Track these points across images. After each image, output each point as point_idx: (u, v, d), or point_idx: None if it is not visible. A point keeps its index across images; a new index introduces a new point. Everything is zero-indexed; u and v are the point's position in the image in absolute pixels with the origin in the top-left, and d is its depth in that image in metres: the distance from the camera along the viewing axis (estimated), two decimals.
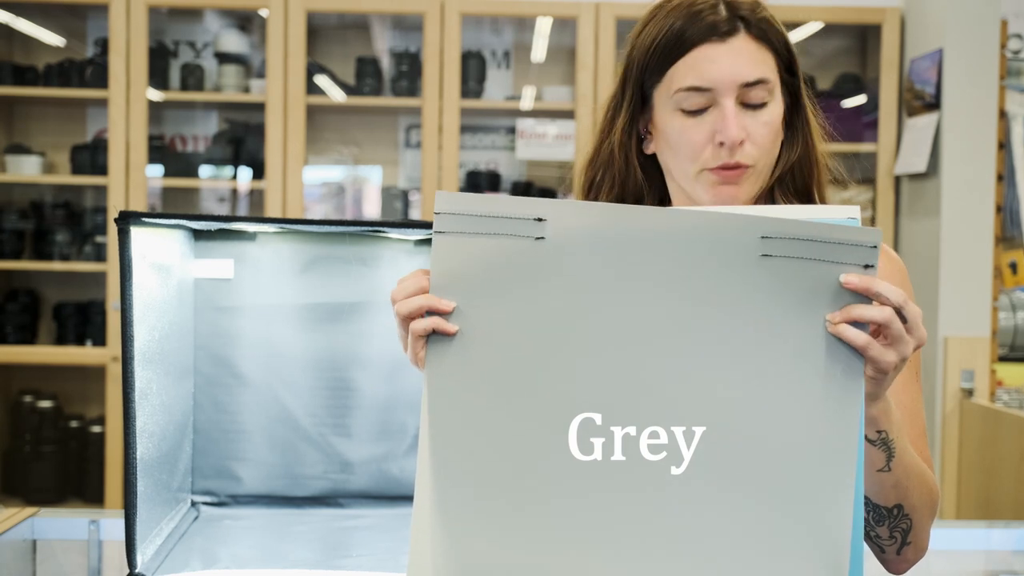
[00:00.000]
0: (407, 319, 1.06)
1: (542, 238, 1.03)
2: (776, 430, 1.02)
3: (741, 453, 1.02)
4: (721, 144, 1.23)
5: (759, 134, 1.25)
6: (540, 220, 1.03)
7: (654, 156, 1.32)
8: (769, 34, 1.26)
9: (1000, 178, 3.78)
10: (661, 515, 1.02)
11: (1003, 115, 3.80)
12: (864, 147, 4.15)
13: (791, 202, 1.30)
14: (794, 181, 1.31)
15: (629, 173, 1.33)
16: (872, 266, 1.02)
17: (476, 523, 1.04)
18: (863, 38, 4.45)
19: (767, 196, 1.31)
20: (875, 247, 1.02)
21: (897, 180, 4.13)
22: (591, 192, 1.36)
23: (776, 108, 1.26)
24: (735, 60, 1.23)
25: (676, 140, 1.27)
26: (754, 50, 1.24)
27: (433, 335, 1.05)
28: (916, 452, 1.22)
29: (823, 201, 1.33)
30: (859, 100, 4.31)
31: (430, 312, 1.05)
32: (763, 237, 1.02)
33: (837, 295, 1.02)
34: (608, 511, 1.03)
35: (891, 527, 1.20)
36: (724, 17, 1.24)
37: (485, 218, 1.04)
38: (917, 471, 1.19)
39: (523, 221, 1.03)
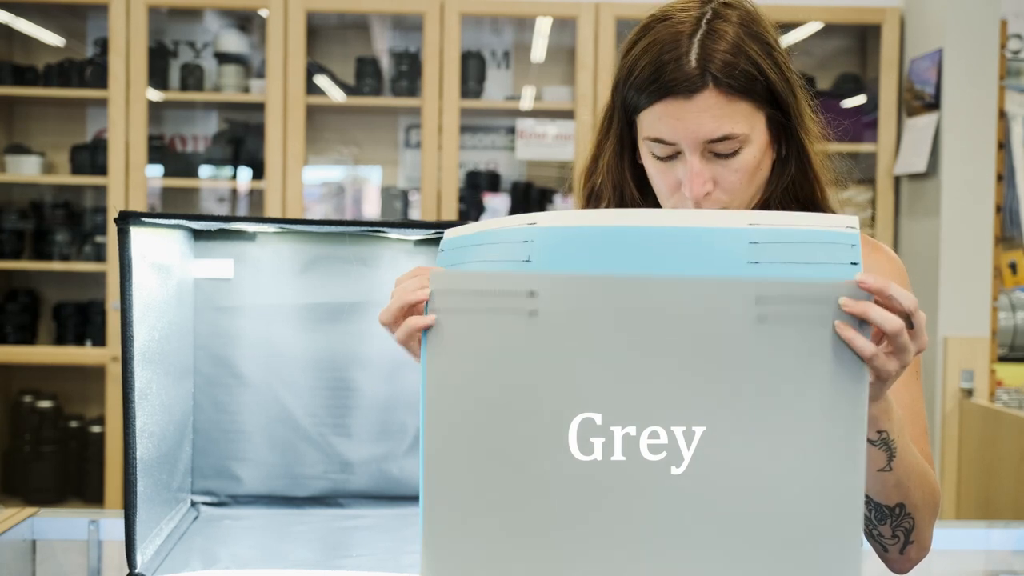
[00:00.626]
0: (390, 326, 1.09)
1: (535, 313, 1.03)
2: (779, 432, 1.01)
3: (742, 453, 1.01)
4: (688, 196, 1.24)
5: (728, 181, 1.24)
6: (532, 295, 1.03)
7: None
8: (743, 82, 1.21)
9: (1000, 178, 3.78)
10: (661, 515, 1.02)
11: (1003, 115, 3.80)
12: (864, 147, 4.15)
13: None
14: (796, 197, 1.31)
15: (624, 185, 1.35)
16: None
17: (476, 523, 1.04)
18: (863, 38, 4.45)
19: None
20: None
21: (897, 180, 4.13)
22: (591, 200, 1.38)
23: (750, 153, 1.24)
24: (699, 118, 1.21)
25: (652, 176, 1.29)
26: (723, 105, 1.21)
27: (429, 335, 1.05)
28: (918, 451, 1.22)
29: (826, 207, 1.33)
30: (859, 100, 4.31)
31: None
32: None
33: (836, 308, 1.01)
34: (608, 511, 1.03)
35: (893, 526, 1.20)
36: (692, 72, 1.20)
37: (479, 294, 1.04)
38: (919, 470, 1.19)
39: (515, 296, 1.03)
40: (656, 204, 1.35)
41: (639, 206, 1.35)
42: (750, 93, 1.22)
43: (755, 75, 1.22)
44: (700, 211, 1.05)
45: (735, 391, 1.01)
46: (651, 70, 1.22)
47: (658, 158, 1.26)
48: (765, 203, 1.30)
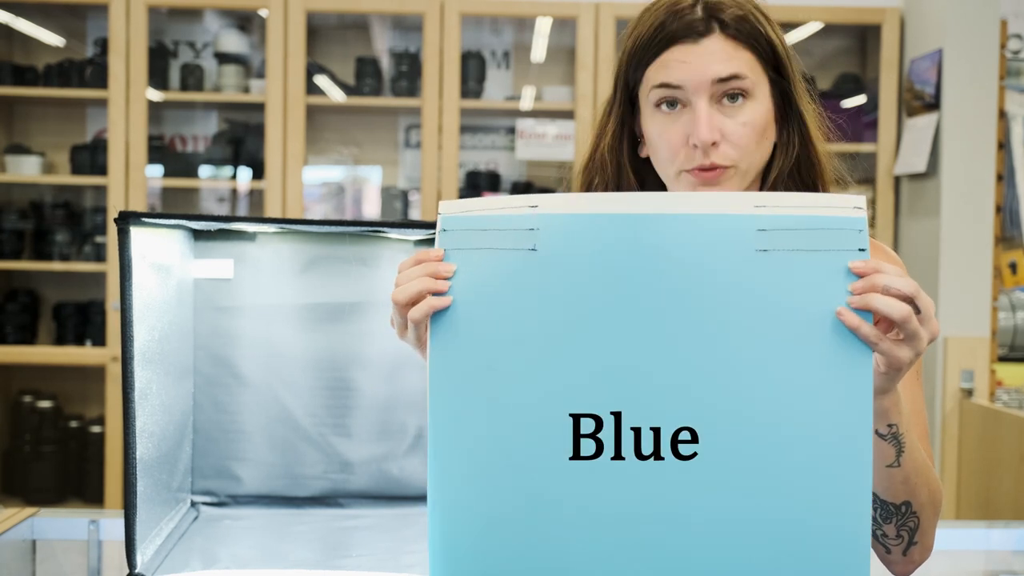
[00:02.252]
0: (406, 306, 1.07)
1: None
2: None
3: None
4: (695, 146, 1.22)
5: (737, 134, 1.23)
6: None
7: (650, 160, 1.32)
8: (749, 34, 1.24)
9: (1000, 178, 3.79)
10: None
11: (1003, 115, 3.80)
12: (864, 147, 4.15)
13: None
14: (801, 180, 1.30)
15: (622, 177, 1.34)
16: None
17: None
18: (863, 38, 4.45)
19: None
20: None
21: (897, 180, 4.14)
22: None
23: (757, 108, 1.24)
24: (706, 59, 1.22)
25: (656, 141, 1.27)
26: (728, 49, 1.23)
27: (435, 324, 1.05)
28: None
29: (828, 189, 1.33)
30: (859, 100, 4.31)
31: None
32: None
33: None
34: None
35: (899, 525, 1.19)
36: (699, 17, 1.23)
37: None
38: (924, 468, 1.17)
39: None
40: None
41: (632, 187, 1.35)
42: (755, 47, 1.24)
43: (760, 32, 1.24)
44: (706, 195, 1.03)
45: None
46: (656, 25, 1.24)
47: (664, 113, 1.25)
48: (772, 185, 1.30)
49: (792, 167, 1.29)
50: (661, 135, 1.26)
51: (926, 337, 1.04)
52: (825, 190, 1.31)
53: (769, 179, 1.29)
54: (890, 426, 1.11)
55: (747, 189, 1.27)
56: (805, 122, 1.29)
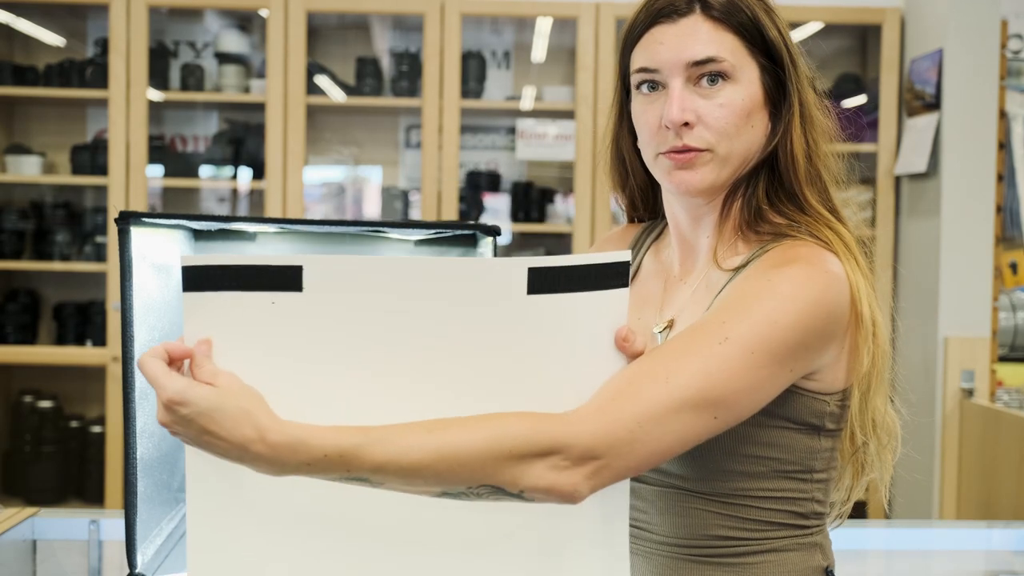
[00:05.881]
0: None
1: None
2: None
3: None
4: (667, 127, 1.21)
5: (713, 116, 1.20)
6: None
7: None
8: (733, 16, 1.21)
9: (1000, 178, 3.78)
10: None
11: (1003, 115, 3.80)
12: (864, 147, 4.15)
13: (779, 203, 1.27)
14: (781, 183, 1.26)
15: (627, 167, 1.35)
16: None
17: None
18: (863, 38, 4.45)
19: (749, 192, 1.27)
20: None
21: (897, 180, 4.13)
22: (625, 191, 1.39)
23: (736, 91, 1.21)
24: (683, 40, 1.21)
25: (638, 124, 1.27)
26: (708, 30, 1.21)
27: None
28: (631, 383, 1.08)
29: (809, 196, 1.27)
30: (859, 100, 4.31)
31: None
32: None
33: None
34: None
35: (478, 497, 1.05)
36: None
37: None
38: (427, 464, 1.00)
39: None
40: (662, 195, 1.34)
41: (648, 185, 1.37)
42: (740, 30, 1.22)
43: (745, 15, 1.22)
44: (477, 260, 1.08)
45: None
46: (643, 6, 1.25)
47: (644, 95, 1.24)
48: (755, 175, 1.26)
49: (773, 161, 1.25)
50: (640, 116, 1.25)
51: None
52: (801, 192, 1.25)
53: (753, 164, 1.26)
54: (326, 478, 1.01)
55: (728, 180, 1.25)
56: (796, 114, 1.24)
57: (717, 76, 1.20)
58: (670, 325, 1.29)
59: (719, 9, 1.21)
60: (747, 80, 1.22)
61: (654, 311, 1.32)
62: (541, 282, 1.03)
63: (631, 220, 1.44)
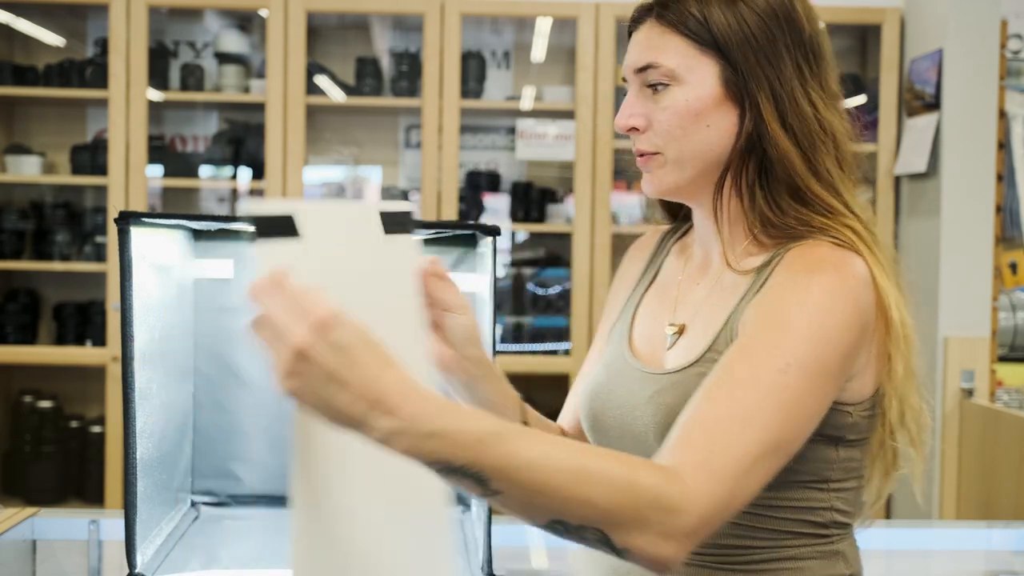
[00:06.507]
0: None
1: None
2: None
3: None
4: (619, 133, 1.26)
5: (658, 120, 1.22)
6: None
7: None
8: (676, 17, 1.21)
9: (1000, 178, 3.78)
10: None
11: (1003, 115, 3.80)
12: (864, 147, 4.14)
13: (784, 200, 1.21)
14: (780, 179, 1.21)
15: None
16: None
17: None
18: (863, 38, 4.45)
19: (744, 191, 1.23)
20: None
21: (897, 180, 4.13)
22: None
23: (681, 93, 1.21)
24: (635, 48, 1.25)
25: None
26: (655, 36, 1.23)
27: None
28: (717, 432, 1.04)
29: (815, 191, 1.22)
30: (859, 100, 4.31)
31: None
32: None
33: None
34: None
35: (582, 538, 1.01)
36: (644, 5, 1.25)
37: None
38: (554, 488, 0.96)
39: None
40: None
41: None
42: (688, 31, 1.21)
43: (688, 14, 1.21)
44: None
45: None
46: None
47: None
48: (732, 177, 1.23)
49: (763, 168, 1.21)
50: None
51: (280, 358, 0.89)
52: (805, 185, 1.20)
53: (723, 169, 1.23)
54: (442, 464, 0.93)
55: (693, 181, 1.23)
56: (785, 107, 1.20)
57: (659, 82, 1.22)
58: (681, 330, 1.28)
59: (669, 12, 1.22)
60: (696, 81, 1.21)
61: (668, 312, 1.32)
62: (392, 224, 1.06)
63: (671, 224, 1.43)
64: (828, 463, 1.20)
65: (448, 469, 0.93)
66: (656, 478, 1.00)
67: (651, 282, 1.38)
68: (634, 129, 1.24)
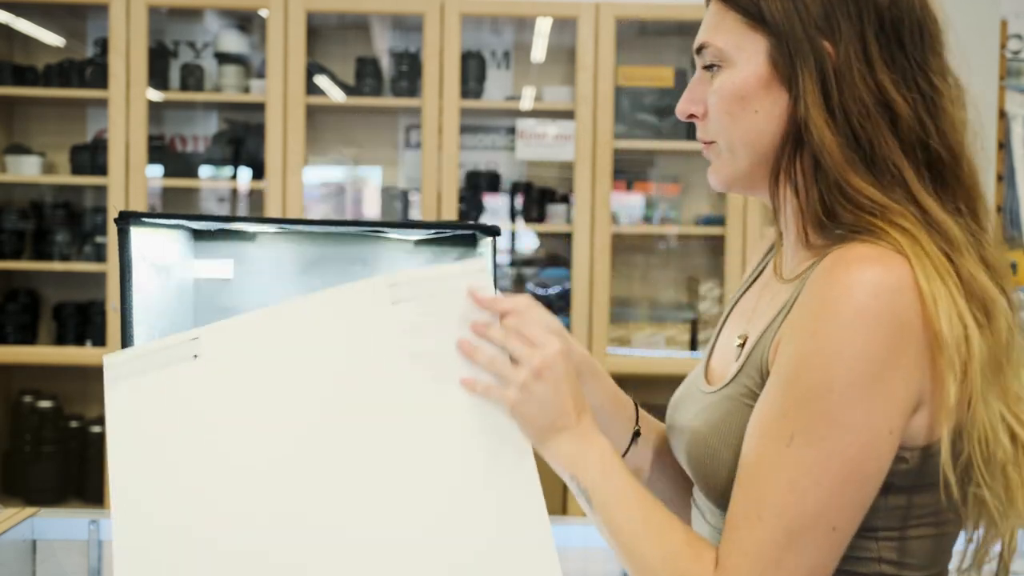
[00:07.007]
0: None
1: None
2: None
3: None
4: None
5: (710, 105, 1.12)
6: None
7: None
8: None
9: (1000, 178, 3.79)
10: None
11: (1003, 115, 3.80)
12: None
13: (830, 196, 1.07)
14: (826, 175, 1.06)
15: None
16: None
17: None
18: None
19: (798, 187, 1.10)
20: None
21: None
22: None
23: (730, 76, 1.10)
24: (701, 29, 1.14)
25: None
26: (713, 13, 1.12)
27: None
28: (737, 529, 1.02)
29: (861, 191, 1.06)
30: None
31: None
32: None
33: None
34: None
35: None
36: None
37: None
38: (624, 537, 1.07)
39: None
40: None
41: None
42: (739, 5, 1.09)
43: None
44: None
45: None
46: None
47: None
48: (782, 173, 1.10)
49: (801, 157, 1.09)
50: None
51: (517, 380, 1.08)
52: (844, 178, 1.05)
53: (776, 160, 1.11)
54: (571, 476, 1.11)
55: (752, 172, 1.13)
56: (832, 86, 1.06)
57: (712, 64, 1.12)
58: (744, 340, 1.17)
59: None
60: (744, 61, 1.09)
61: (746, 319, 1.22)
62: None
63: None
64: (873, 510, 1.03)
65: (572, 479, 1.10)
66: (697, 568, 1.05)
67: (751, 283, 1.27)
68: (693, 116, 1.14)
